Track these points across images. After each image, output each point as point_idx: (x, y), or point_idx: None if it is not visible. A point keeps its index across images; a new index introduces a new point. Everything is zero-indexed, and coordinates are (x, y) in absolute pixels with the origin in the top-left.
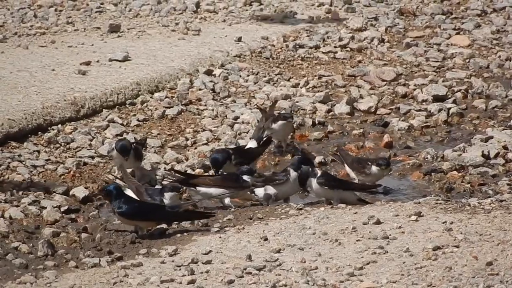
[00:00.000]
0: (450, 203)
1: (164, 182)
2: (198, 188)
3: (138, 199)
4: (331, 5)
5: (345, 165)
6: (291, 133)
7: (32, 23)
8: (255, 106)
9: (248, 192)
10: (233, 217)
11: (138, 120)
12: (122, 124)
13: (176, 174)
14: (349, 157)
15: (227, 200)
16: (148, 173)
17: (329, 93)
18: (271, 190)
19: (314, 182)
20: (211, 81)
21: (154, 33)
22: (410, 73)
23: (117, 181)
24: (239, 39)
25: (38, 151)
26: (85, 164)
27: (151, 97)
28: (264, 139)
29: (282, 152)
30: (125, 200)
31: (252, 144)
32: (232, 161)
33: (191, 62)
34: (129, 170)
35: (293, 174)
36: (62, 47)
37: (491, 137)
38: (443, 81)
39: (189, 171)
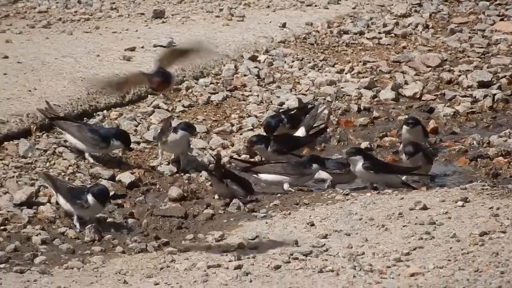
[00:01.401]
0: (496, 189)
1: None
2: (260, 175)
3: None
4: None
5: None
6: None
7: (76, 9)
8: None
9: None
10: (279, 202)
11: (183, 106)
12: (167, 110)
13: (238, 161)
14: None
15: (286, 186)
16: (194, 159)
17: (374, 79)
18: (326, 175)
19: (359, 167)
20: (255, 67)
21: (198, 19)
22: (455, 59)
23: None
24: (284, 25)
25: None
26: (131, 149)
27: (196, 83)
28: (316, 129)
29: (326, 139)
30: None
31: (301, 132)
32: (270, 148)
33: (235, 48)
34: (172, 156)
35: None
36: (107, 33)
37: None
38: (487, 67)
39: (235, 156)
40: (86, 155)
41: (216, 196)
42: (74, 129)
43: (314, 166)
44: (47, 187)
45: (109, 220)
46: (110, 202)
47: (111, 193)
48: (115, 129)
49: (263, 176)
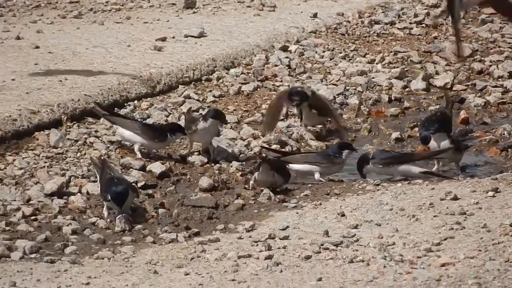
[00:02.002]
0: None
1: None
2: (290, 165)
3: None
4: None
5: None
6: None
7: None
8: None
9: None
10: (310, 192)
11: (214, 96)
12: (198, 100)
13: (269, 152)
14: None
15: (317, 176)
16: (223, 149)
17: (405, 69)
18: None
19: (370, 166)
20: (286, 57)
21: (229, 9)
22: (485, 49)
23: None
24: (315, 15)
25: None
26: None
27: (227, 73)
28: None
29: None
30: None
31: None
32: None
33: (266, 38)
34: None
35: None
36: (138, 23)
37: None
38: None
39: (266, 146)
40: (136, 148)
41: (251, 184)
42: (128, 123)
43: (345, 152)
44: (78, 177)
45: (139, 210)
46: (125, 206)
47: (142, 184)
48: (170, 123)
49: (294, 166)
